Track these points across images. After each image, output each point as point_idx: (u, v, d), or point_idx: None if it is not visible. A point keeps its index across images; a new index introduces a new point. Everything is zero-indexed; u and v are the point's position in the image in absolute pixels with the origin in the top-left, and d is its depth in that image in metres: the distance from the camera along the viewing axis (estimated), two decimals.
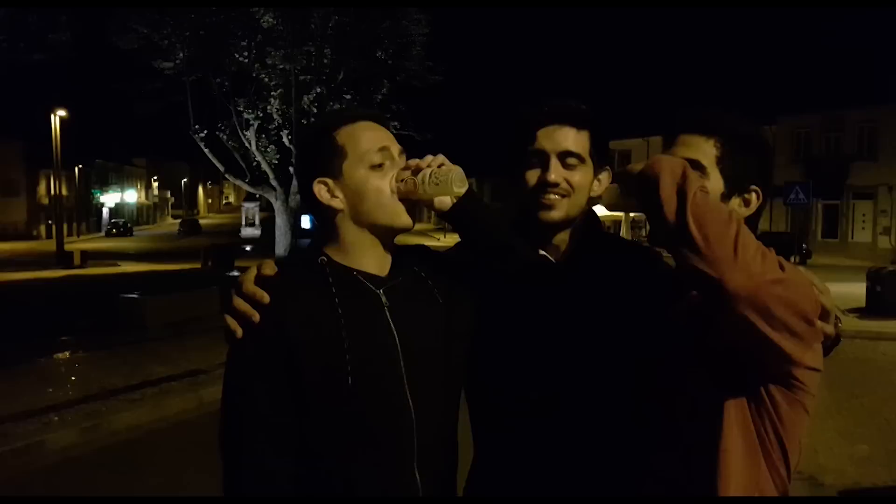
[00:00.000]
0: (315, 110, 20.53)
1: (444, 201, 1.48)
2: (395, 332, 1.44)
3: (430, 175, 1.42)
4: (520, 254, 1.58)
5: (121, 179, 73.14)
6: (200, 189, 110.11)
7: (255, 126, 20.54)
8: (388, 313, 1.45)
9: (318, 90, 20.63)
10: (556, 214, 1.66)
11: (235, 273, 20.10)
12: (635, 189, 1.32)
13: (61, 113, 29.82)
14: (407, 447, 1.42)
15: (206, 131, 20.55)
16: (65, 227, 34.42)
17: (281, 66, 20.07)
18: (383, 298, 1.46)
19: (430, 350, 1.49)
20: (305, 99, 20.50)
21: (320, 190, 1.45)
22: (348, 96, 21.07)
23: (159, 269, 24.49)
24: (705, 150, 1.46)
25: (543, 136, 1.65)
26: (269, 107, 20.57)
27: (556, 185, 1.63)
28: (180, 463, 5.49)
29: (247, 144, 20.68)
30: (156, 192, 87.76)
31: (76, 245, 36.16)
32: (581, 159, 1.65)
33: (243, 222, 55.53)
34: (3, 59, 19.35)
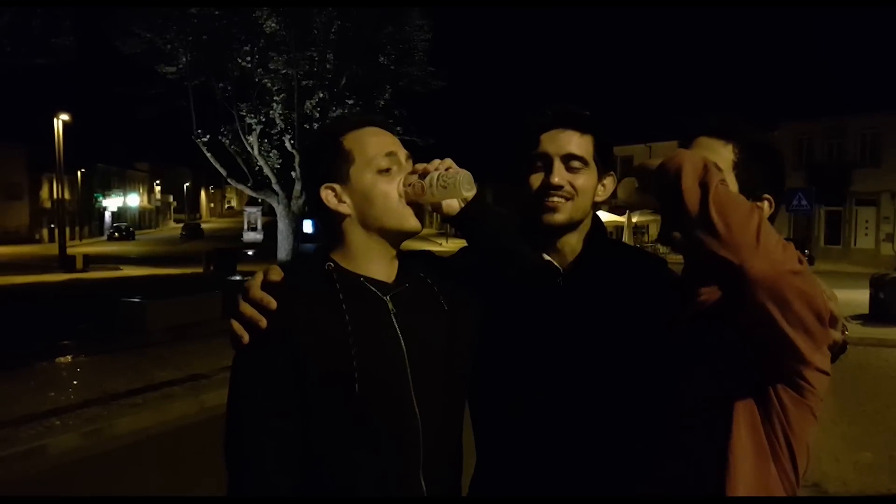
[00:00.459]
0: (318, 115, 20.59)
1: (452, 205, 1.48)
2: (401, 339, 1.44)
3: (438, 178, 1.42)
4: (526, 257, 1.58)
5: (123, 183, 73.26)
6: (203, 193, 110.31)
7: (258, 131, 20.58)
8: (394, 320, 1.45)
9: (321, 95, 20.68)
10: (559, 217, 1.67)
11: (237, 277, 20.12)
12: (654, 182, 1.31)
13: (64, 117, 29.88)
14: (413, 453, 1.42)
15: (208, 136, 20.59)
16: (67, 230, 34.44)
17: (283, 71, 20.13)
18: (390, 305, 1.45)
19: (436, 357, 1.49)
20: (308, 104, 20.55)
21: (327, 195, 1.45)
22: (350, 101, 21.11)
23: (161, 273, 24.50)
24: (723, 155, 1.47)
25: (547, 140, 1.66)
26: (271, 111, 20.62)
27: (559, 187, 1.64)
28: (182, 467, 5.48)
29: (249, 149, 20.71)
30: (158, 196, 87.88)
31: (78, 249, 36.22)
32: (584, 162, 1.66)
33: (245, 227, 55.61)
34: (7, 63, 19.42)
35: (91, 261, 28.01)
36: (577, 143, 1.66)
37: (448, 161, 1.47)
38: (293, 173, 20.81)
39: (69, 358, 9.44)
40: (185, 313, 12.11)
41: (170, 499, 4.86)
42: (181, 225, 71.60)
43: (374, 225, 1.45)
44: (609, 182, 1.75)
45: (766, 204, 1.49)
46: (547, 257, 1.74)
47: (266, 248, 32.17)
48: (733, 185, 1.46)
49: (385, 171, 1.44)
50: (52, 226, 46.22)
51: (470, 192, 1.44)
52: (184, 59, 20.12)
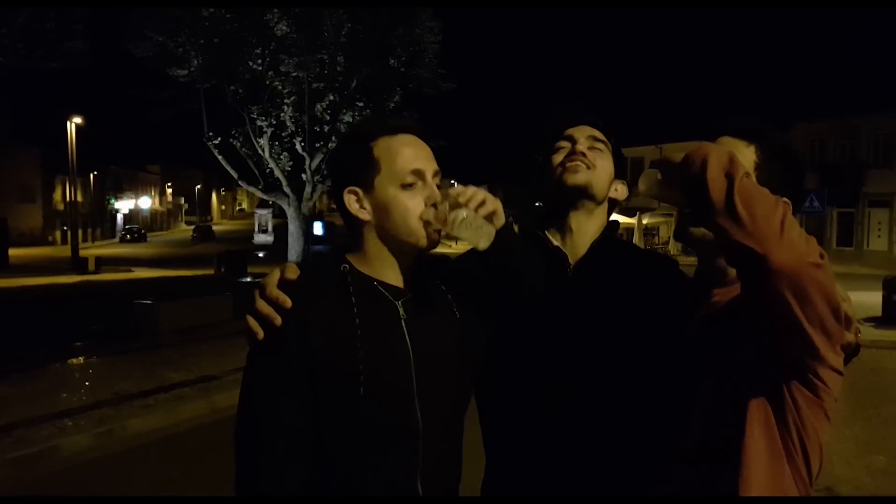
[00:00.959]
0: (328, 118, 20.65)
1: (478, 242, 1.44)
2: (409, 345, 1.45)
3: (463, 219, 1.39)
4: (537, 289, 1.59)
5: (135, 186, 73.67)
6: (214, 196, 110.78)
7: (269, 133, 20.66)
8: (404, 325, 1.46)
9: (331, 97, 20.74)
10: (580, 178, 1.73)
11: (248, 279, 20.19)
12: (677, 173, 1.32)
13: (77, 120, 30.10)
14: (412, 458, 1.44)
15: (219, 138, 20.70)
16: (80, 232, 34.70)
17: (294, 74, 20.20)
18: (401, 310, 1.47)
19: (444, 364, 1.50)
20: (318, 106, 20.62)
21: (350, 199, 1.46)
22: (361, 104, 21.16)
23: (173, 275, 24.62)
24: (745, 155, 1.48)
25: (572, 130, 1.77)
26: (282, 114, 20.70)
27: (583, 153, 1.73)
28: (193, 468, 5.50)
29: (260, 151, 20.80)
30: (170, 198, 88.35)
31: (91, 251, 36.45)
32: (606, 145, 1.78)
33: (256, 229, 55.79)
34: (22, 67, 19.58)
35: (103, 262, 28.20)
36: (599, 134, 1.79)
37: (481, 196, 1.44)
38: (304, 176, 20.88)
39: (81, 359, 9.50)
40: (196, 315, 12.16)
41: (181, 499, 4.88)
42: (192, 227, 71.87)
43: (390, 235, 1.46)
44: (621, 188, 1.83)
45: None
46: (556, 243, 1.78)
47: (277, 251, 32.26)
48: None
49: (408, 186, 1.43)
50: (65, 228, 46.56)
51: (485, 245, 1.41)
52: (195, 62, 20.23)
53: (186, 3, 19.28)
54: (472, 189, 1.44)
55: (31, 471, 5.50)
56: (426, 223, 1.43)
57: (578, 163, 1.73)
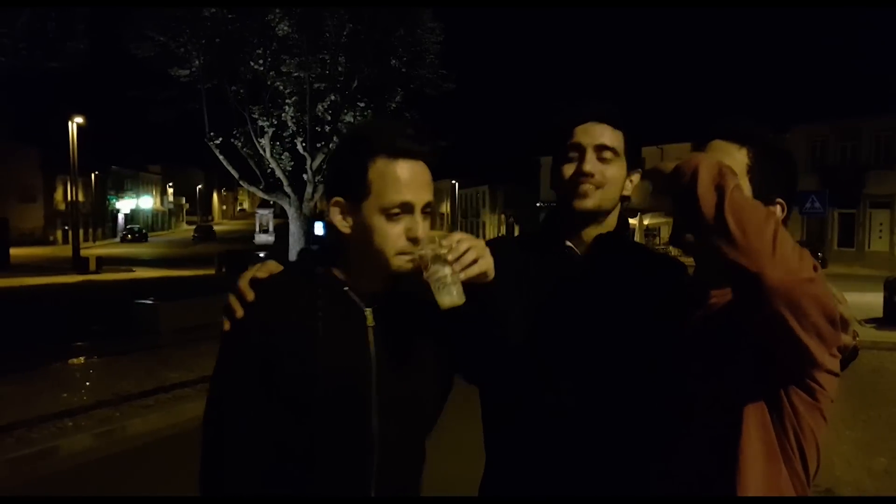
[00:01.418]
0: (329, 118, 20.65)
1: (441, 301, 1.37)
2: (373, 353, 1.43)
3: (442, 278, 1.34)
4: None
5: (136, 186, 73.72)
6: (215, 196, 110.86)
7: (270, 133, 20.66)
8: (370, 333, 1.44)
9: (333, 98, 20.74)
10: (588, 203, 1.71)
11: None
12: (668, 185, 1.32)
13: (78, 120, 30.11)
14: (365, 467, 1.42)
15: (220, 138, 20.70)
16: (81, 232, 34.73)
17: (296, 74, 20.20)
18: (369, 318, 1.45)
19: (411, 376, 1.47)
20: (320, 106, 20.61)
21: (335, 211, 1.45)
22: (362, 104, 21.16)
23: (174, 275, 24.65)
24: (737, 158, 1.48)
25: (581, 132, 1.72)
26: (283, 114, 20.70)
27: (590, 175, 1.69)
28: (193, 468, 5.49)
29: (261, 152, 20.80)
30: (171, 198, 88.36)
31: (92, 251, 36.47)
32: (616, 153, 1.72)
33: (257, 229, 55.87)
34: (23, 67, 19.59)
35: (104, 262, 28.23)
36: (609, 135, 1.71)
37: (471, 256, 1.38)
38: (305, 176, 20.87)
39: (82, 359, 9.50)
40: (197, 315, 12.15)
41: (180, 499, 4.88)
42: (193, 227, 71.97)
43: (367, 254, 1.43)
44: (636, 178, 1.77)
45: (778, 208, 1.49)
46: (568, 243, 1.77)
47: (278, 250, 32.28)
48: (747, 188, 1.46)
49: (393, 216, 1.39)
50: (66, 227, 46.60)
51: (447, 307, 1.35)
52: (197, 62, 20.22)
53: (188, 3, 19.29)
54: (465, 244, 1.37)
55: (31, 471, 5.50)
56: (402, 254, 1.40)
57: (587, 186, 1.69)
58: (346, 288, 1.45)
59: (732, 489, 1.36)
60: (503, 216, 59.52)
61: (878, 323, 13.40)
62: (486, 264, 1.40)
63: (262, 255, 35.70)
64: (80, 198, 37.63)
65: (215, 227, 72.83)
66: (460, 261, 1.36)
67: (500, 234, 56.24)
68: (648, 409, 1.61)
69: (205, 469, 1.43)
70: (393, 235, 1.39)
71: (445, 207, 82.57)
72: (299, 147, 20.80)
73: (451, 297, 1.34)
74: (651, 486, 1.55)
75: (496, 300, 1.73)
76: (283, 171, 20.94)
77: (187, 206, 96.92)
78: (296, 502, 1.41)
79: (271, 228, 53.87)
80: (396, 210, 1.38)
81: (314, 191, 21.13)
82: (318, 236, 25.96)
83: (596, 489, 1.66)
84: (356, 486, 1.42)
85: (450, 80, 22.18)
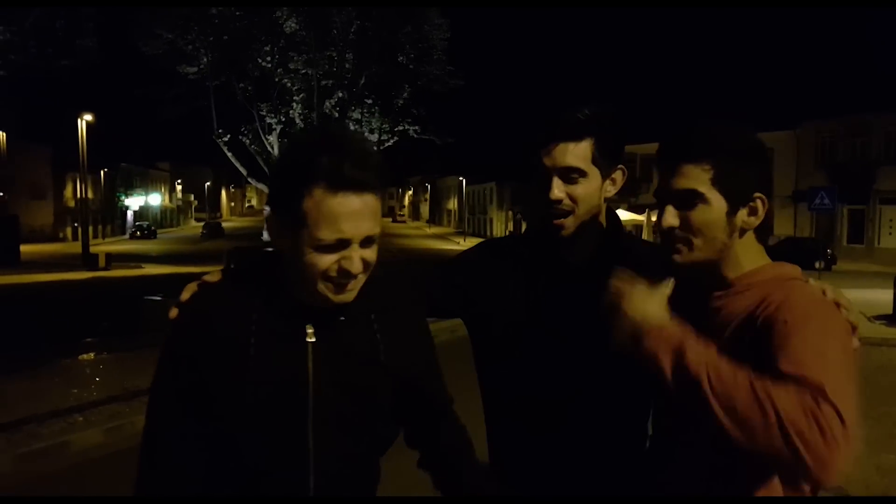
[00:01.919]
0: (337, 115, 20.69)
1: None
2: (310, 370, 1.34)
3: None
4: None
5: (145, 183, 74.05)
6: (223, 193, 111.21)
7: (278, 130, 20.74)
8: (309, 349, 1.35)
9: (340, 95, 20.80)
10: (564, 231, 1.67)
11: None
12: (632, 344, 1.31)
13: (88, 117, 30.20)
14: (301, 485, 1.34)
15: (229, 135, 20.79)
16: (90, 229, 34.89)
17: (303, 71, 20.28)
18: (309, 335, 1.35)
19: (357, 393, 1.38)
20: (327, 103, 20.68)
21: (270, 225, 1.34)
22: (369, 101, 21.18)
23: (182, 271, 24.71)
24: (698, 177, 1.40)
25: (545, 155, 1.64)
26: (291, 111, 20.77)
27: (558, 201, 1.64)
28: None
29: (269, 148, 20.87)
30: (179, 195, 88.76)
31: (101, 247, 36.69)
32: (582, 173, 1.64)
33: (266, 226, 55.98)
34: (32, 65, 19.70)
35: (113, 259, 28.34)
36: (572, 153, 1.63)
37: None
38: None
39: (91, 355, 9.56)
40: None
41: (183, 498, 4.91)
42: (202, 224, 72.24)
43: (299, 274, 1.31)
44: (618, 176, 1.73)
45: (759, 203, 1.42)
46: (560, 250, 1.74)
47: None
48: (720, 200, 1.40)
49: (325, 248, 1.26)
50: (76, 224, 46.86)
51: None
52: (205, 60, 20.32)
53: (196, 1, 19.35)
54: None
55: (41, 465, 5.53)
56: (332, 284, 1.30)
57: (558, 214, 1.65)
58: (286, 300, 1.35)
59: (735, 486, 1.35)
60: (510, 213, 59.48)
61: (887, 320, 13.32)
62: None
63: (270, 250, 35.78)
64: (90, 195, 37.78)
65: (224, 224, 73.04)
66: None
67: (507, 230, 56.18)
68: (647, 406, 1.63)
69: (137, 482, 1.40)
70: (323, 266, 1.27)
71: (453, 204, 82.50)
72: None
73: None
74: (650, 489, 1.55)
75: (492, 303, 1.75)
76: None
77: (196, 202, 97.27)
78: None
79: None
80: (329, 244, 1.26)
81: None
82: None
83: (597, 488, 1.67)
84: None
85: (457, 77, 22.19)
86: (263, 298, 1.35)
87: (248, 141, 20.96)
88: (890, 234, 33.06)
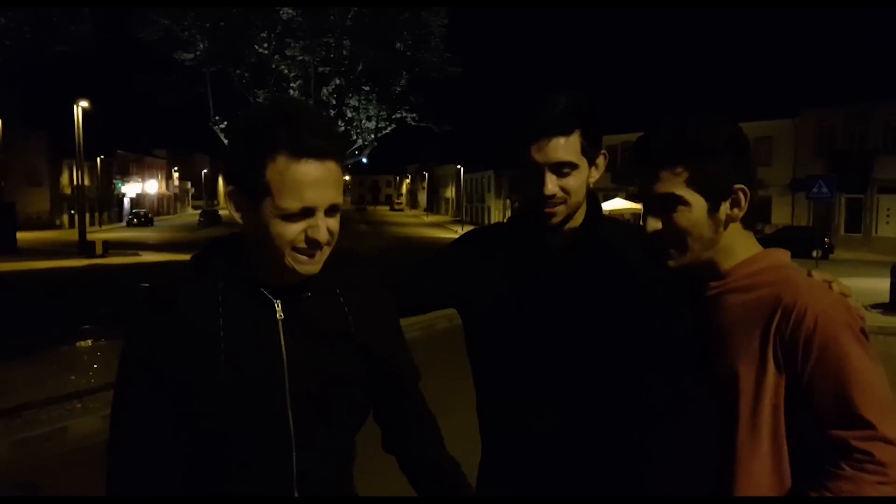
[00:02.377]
0: (334, 102, 20.62)
1: None
2: (283, 348, 1.33)
3: None
4: None
5: (142, 170, 73.88)
6: (220, 180, 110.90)
7: None
8: (281, 326, 1.33)
9: (337, 81, 20.72)
10: (556, 220, 1.68)
11: None
12: None
13: (83, 104, 30.11)
14: (284, 467, 1.33)
15: (226, 122, 20.70)
16: (87, 216, 34.83)
17: (300, 58, 20.18)
18: (279, 311, 1.34)
19: (329, 371, 1.37)
20: (324, 90, 20.61)
21: (229, 200, 1.32)
22: (367, 88, 21.11)
23: (179, 259, 24.68)
24: (673, 180, 1.38)
25: (535, 151, 1.63)
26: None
27: (552, 196, 1.64)
28: None
29: None
30: (176, 182, 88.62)
31: (98, 235, 36.61)
32: (573, 166, 1.65)
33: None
34: (28, 51, 19.59)
35: (110, 246, 28.31)
36: (563, 147, 1.63)
37: None
38: None
39: (89, 342, 9.57)
40: None
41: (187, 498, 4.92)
42: (199, 211, 72.08)
43: (264, 249, 1.30)
44: (601, 161, 1.73)
45: (741, 195, 1.40)
46: (545, 237, 1.74)
47: None
48: (698, 200, 1.37)
49: (290, 217, 1.25)
50: (72, 212, 46.78)
51: None
52: (201, 46, 20.20)
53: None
54: None
55: (39, 452, 5.56)
56: (299, 254, 1.29)
57: (551, 207, 1.65)
58: (252, 279, 1.33)
59: (732, 479, 1.35)
60: (508, 201, 59.44)
61: (884, 308, 13.38)
62: None
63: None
64: (86, 182, 37.71)
65: (221, 212, 72.85)
66: None
67: (505, 219, 56.01)
68: (642, 400, 1.61)
69: (108, 479, 1.36)
70: (289, 236, 1.26)
71: (451, 192, 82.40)
72: None
73: None
74: (645, 481, 1.55)
75: (478, 293, 1.75)
76: None
77: (193, 190, 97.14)
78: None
79: None
80: (293, 214, 1.25)
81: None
82: None
83: (589, 482, 1.67)
84: (277, 488, 1.34)
85: (455, 64, 22.10)
86: (227, 280, 1.33)
87: None
88: (887, 223, 33.11)
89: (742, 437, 1.34)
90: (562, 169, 1.64)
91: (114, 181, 64.81)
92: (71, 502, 4.68)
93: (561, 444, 1.67)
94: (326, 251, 1.32)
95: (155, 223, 62.46)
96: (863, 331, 1.33)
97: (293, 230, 1.26)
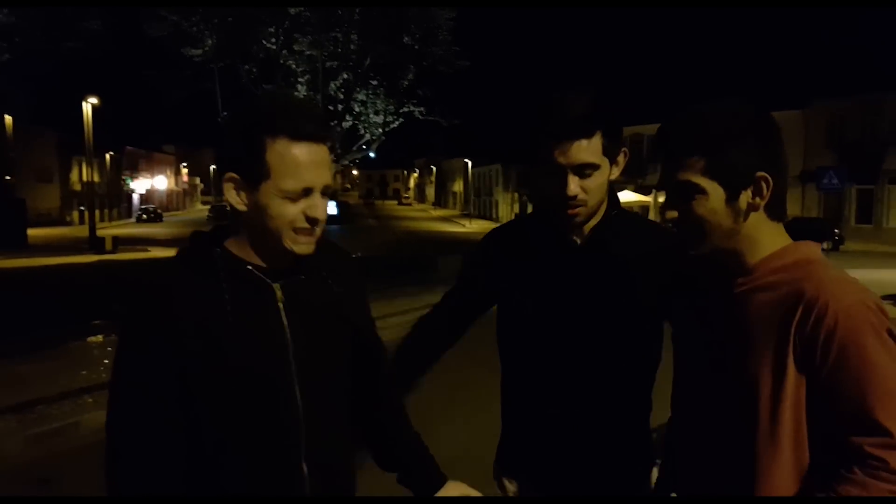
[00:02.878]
0: (342, 96, 20.63)
1: None
2: (287, 329, 1.39)
3: None
4: None
5: (151, 166, 74.11)
6: None
7: None
8: (282, 308, 1.40)
9: (345, 76, 20.73)
10: (578, 220, 1.72)
11: None
12: None
13: (93, 100, 30.19)
14: (293, 443, 1.39)
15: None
16: (97, 213, 35.01)
17: (308, 53, 20.19)
18: (279, 293, 1.40)
19: (328, 349, 1.45)
20: (332, 85, 20.62)
21: (228, 187, 1.37)
22: (375, 82, 21.10)
23: None
24: (690, 168, 1.34)
25: (558, 153, 1.64)
26: (296, 93, 20.68)
27: (574, 197, 1.67)
28: None
29: None
30: (185, 178, 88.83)
31: (108, 231, 36.77)
32: (595, 167, 1.67)
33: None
34: (37, 47, 19.67)
35: (120, 242, 28.45)
36: (586, 149, 1.64)
37: None
38: None
39: (101, 337, 9.62)
40: None
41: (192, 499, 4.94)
42: (208, 206, 72.33)
43: (264, 231, 1.37)
44: (621, 159, 1.74)
45: (762, 183, 1.34)
46: (569, 234, 1.78)
47: None
48: (716, 189, 1.34)
49: (291, 198, 1.33)
50: (82, 208, 47.01)
51: None
52: (209, 42, 20.23)
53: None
54: None
55: (52, 445, 5.60)
56: (300, 234, 1.36)
57: (574, 207, 1.68)
58: (248, 266, 1.39)
59: (752, 474, 1.34)
60: (516, 194, 59.34)
61: (894, 300, 13.31)
62: None
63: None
64: (96, 178, 37.91)
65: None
66: None
67: (513, 212, 56.10)
68: (649, 377, 1.75)
69: (109, 476, 1.39)
70: (291, 216, 1.34)
71: (459, 186, 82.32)
72: None
73: None
74: (660, 461, 1.57)
75: (506, 283, 1.81)
76: None
77: (202, 185, 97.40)
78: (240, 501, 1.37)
79: None
80: (295, 195, 1.33)
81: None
82: (330, 215, 26.02)
83: (606, 462, 1.74)
84: (287, 467, 1.39)
85: (463, 58, 22.06)
86: (225, 269, 1.38)
87: None
88: None
89: (761, 442, 1.32)
90: (584, 170, 1.66)
91: (123, 177, 65.04)
92: (72, 502, 4.69)
93: (572, 425, 1.73)
94: (319, 231, 1.39)
95: (164, 219, 62.63)
96: (890, 332, 1.28)
97: (293, 210, 1.34)
